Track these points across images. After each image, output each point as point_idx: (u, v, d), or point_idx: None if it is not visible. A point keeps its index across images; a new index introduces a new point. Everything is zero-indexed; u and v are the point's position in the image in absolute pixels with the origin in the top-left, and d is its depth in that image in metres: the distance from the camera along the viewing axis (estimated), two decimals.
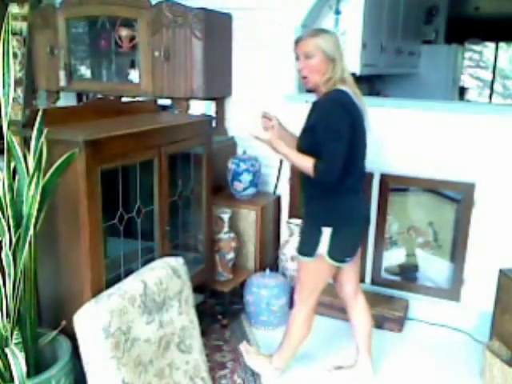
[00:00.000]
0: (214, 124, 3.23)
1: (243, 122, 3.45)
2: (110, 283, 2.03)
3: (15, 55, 1.78)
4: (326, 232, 2.16)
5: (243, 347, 2.61)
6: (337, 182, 2.08)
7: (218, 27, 3.19)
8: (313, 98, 2.25)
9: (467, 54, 9.13)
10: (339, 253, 2.21)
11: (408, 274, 3.22)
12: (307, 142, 2.14)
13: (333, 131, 2.04)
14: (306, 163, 2.08)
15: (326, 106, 2.09)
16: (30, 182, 1.74)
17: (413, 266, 3.23)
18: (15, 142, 1.79)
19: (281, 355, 2.47)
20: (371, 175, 3.11)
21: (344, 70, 2.12)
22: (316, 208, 2.25)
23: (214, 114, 3.48)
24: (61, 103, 3.53)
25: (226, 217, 2.98)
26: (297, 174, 3.21)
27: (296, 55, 2.17)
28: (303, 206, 2.37)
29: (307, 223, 2.32)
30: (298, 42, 2.15)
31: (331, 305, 3.01)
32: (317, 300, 2.37)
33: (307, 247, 2.24)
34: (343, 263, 2.26)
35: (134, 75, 3.38)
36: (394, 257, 3.24)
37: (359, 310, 2.48)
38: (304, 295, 2.34)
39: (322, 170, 2.05)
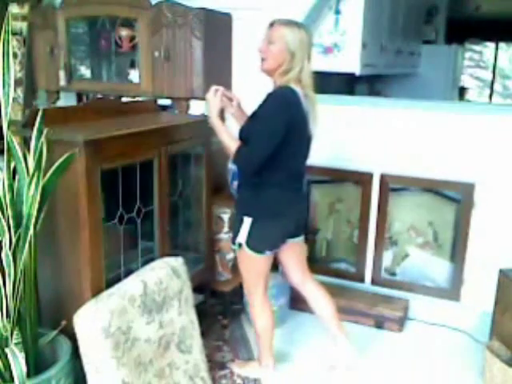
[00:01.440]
0: None
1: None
2: (110, 283, 2.04)
3: (15, 55, 1.78)
4: (247, 222, 2.19)
5: (233, 365, 2.62)
6: (263, 175, 2.14)
7: (218, 27, 3.19)
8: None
9: (467, 54, 9.14)
10: (257, 243, 2.22)
11: (408, 274, 3.22)
12: (245, 129, 2.18)
13: (265, 124, 2.09)
14: (231, 145, 2.14)
15: (269, 100, 2.12)
16: (30, 182, 1.74)
17: (413, 266, 3.23)
18: (15, 141, 1.79)
19: (261, 352, 2.49)
20: (371, 175, 3.12)
21: (303, 69, 2.12)
22: (243, 197, 2.28)
23: None
24: (61, 103, 3.53)
25: (225, 217, 2.98)
26: None
27: (264, 37, 2.18)
28: (236, 194, 2.40)
29: (236, 212, 2.36)
30: (271, 24, 2.17)
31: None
32: (264, 289, 2.38)
33: (233, 236, 2.29)
34: (261, 254, 2.26)
35: (133, 75, 3.38)
36: (393, 257, 3.24)
37: (312, 295, 2.52)
38: (249, 287, 2.38)
39: (240, 157, 2.11)
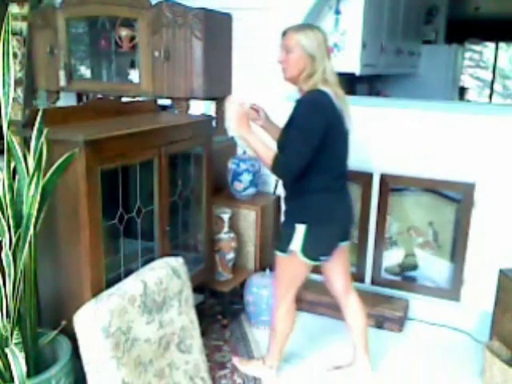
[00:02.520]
0: (214, 124, 3.23)
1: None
2: (110, 283, 2.03)
3: (15, 55, 1.78)
4: (300, 229, 2.17)
5: (236, 360, 2.61)
6: (308, 181, 2.12)
7: (218, 27, 3.19)
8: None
9: (467, 54, 9.14)
10: (313, 251, 2.21)
11: (408, 274, 3.22)
12: (282, 139, 2.17)
13: (301, 130, 2.06)
14: (267, 155, 2.11)
15: (303, 106, 2.11)
16: (30, 182, 1.74)
17: (413, 266, 3.23)
18: (15, 141, 1.80)
19: (270, 353, 2.49)
20: (371, 175, 3.12)
21: (326, 69, 2.12)
22: (291, 205, 2.28)
23: (214, 114, 3.47)
24: (61, 103, 3.53)
25: (225, 217, 2.98)
26: None
27: (280, 47, 2.18)
28: (284, 201, 2.40)
29: (284, 220, 2.35)
30: (284, 34, 2.16)
31: (330, 305, 3.00)
32: (295, 295, 2.38)
33: (282, 243, 2.27)
34: (317, 261, 2.26)
35: (133, 75, 3.38)
36: (393, 257, 3.24)
37: (352, 308, 2.49)
38: (281, 291, 2.36)
39: (278, 166, 2.09)
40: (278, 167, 2.09)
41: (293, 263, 2.25)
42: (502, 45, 9.53)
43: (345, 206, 2.30)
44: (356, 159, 3.09)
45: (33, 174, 1.75)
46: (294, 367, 2.63)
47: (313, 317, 3.08)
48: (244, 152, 3.25)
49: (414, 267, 3.21)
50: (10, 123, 1.76)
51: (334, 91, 2.13)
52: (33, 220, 1.75)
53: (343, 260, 2.43)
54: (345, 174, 2.28)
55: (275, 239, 2.40)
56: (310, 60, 2.09)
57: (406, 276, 3.22)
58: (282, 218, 2.39)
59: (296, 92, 2.25)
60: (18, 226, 1.77)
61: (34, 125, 1.82)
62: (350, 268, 2.54)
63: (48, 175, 1.82)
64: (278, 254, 2.29)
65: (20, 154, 1.80)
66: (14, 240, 1.75)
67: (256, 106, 2.34)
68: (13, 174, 1.81)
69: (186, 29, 2.99)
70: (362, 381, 2.51)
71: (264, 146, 2.15)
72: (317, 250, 2.23)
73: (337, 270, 2.43)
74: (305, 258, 2.21)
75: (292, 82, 2.19)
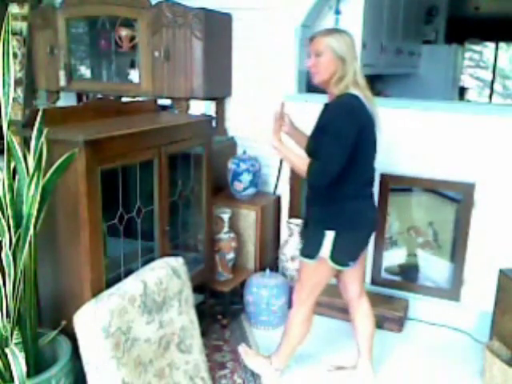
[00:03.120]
0: (214, 124, 3.23)
1: (243, 121, 3.46)
2: (110, 283, 2.03)
3: (15, 55, 1.78)
4: (329, 235, 2.17)
5: (242, 349, 2.61)
6: (340, 187, 2.10)
7: (218, 27, 3.19)
8: (314, 96, 2.26)
9: (467, 54, 9.14)
10: (342, 256, 2.21)
11: (408, 274, 3.22)
12: (313, 144, 2.15)
13: (335, 135, 2.04)
14: (302, 164, 2.11)
15: (335, 110, 2.10)
16: (30, 182, 1.74)
17: (413, 266, 3.23)
18: (15, 141, 1.79)
19: (280, 355, 2.47)
20: None
21: (357, 72, 2.12)
22: (320, 212, 2.25)
23: (214, 114, 3.48)
24: (61, 103, 3.53)
25: (225, 217, 2.98)
26: (296, 175, 3.20)
27: (308, 52, 2.18)
28: (307, 208, 2.37)
29: (311, 226, 2.33)
30: (311, 39, 2.16)
31: (331, 305, 3.01)
32: (315, 301, 2.38)
33: (310, 249, 2.25)
34: (346, 267, 2.27)
35: (133, 75, 3.38)
36: (394, 257, 3.24)
37: (363, 313, 2.48)
38: (303, 296, 2.35)
39: (315, 172, 2.07)
40: (314, 175, 2.08)
41: (320, 269, 2.25)
42: (502, 45, 9.52)
43: (372, 213, 2.31)
44: None
45: (33, 174, 1.75)
46: (295, 367, 2.63)
47: (315, 318, 3.08)
48: (244, 152, 3.25)
49: (415, 268, 3.22)
50: (10, 123, 1.75)
51: (363, 94, 2.12)
52: (33, 220, 1.75)
53: (362, 265, 2.44)
54: (373, 179, 2.29)
55: (302, 245, 2.38)
56: (341, 63, 2.09)
57: (406, 276, 3.22)
58: (307, 224, 2.37)
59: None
60: (18, 226, 1.77)
61: (33, 125, 1.82)
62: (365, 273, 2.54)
63: (48, 175, 1.82)
64: (305, 260, 2.27)
65: (20, 154, 1.80)
66: (14, 240, 1.75)
67: (281, 112, 2.30)
68: (13, 174, 1.81)
69: (185, 29, 2.99)
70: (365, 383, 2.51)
71: (297, 155, 2.15)
72: (346, 255, 2.23)
73: (355, 274, 2.42)
74: (334, 264, 2.20)
75: (323, 85, 2.17)
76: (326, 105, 2.18)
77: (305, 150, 2.22)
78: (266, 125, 2.35)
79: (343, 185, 2.11)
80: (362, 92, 2.12)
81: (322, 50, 2.10)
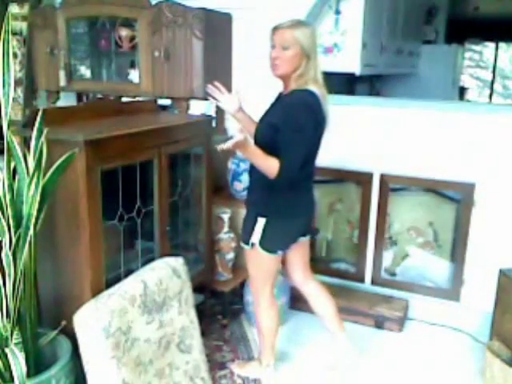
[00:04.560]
0: (213, 124, 3.22)
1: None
2: (110, 283, 2.03)
3: (15, 55, 1.78)
4: (260, 222, 2.19)
5: (233, 366, 2.61)
6: (292, 180, 2.11)
7: (218, 27, 3.19)
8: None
9: (467, 54, 9.14)
10: (271, 244, 2.23)
11: (408, 274, 3.22)
12: (267, 137, 2.11)
13: (298, 133, 2.04)
14: (272, 166, 2.03)
15: (294, 107, 2.08)
16: (30, 182, 1.74)
17: (413, 266, 3.23)
18: (15, 141, 1.79)
19: (263, 352, 2.49)
20: (371, 175, 3.12)
21: (317, 68, 2.11)
22: (256, 197, 2.28)
23: (214, 114, 3.47)
24: (61, 103, 3.53)
25: (225, 217, 2.98)
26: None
27: (272, 43, 2.13)
28: (247, 193, 2.39)
29: (247, 211, 2.35)
30: (276, 29, 2.11)
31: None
32: (272, 288, 2.39)
33: (245, 235, 2.28)
34: (274, 254, 2.27)
35: (134, 75, 3.38)
36: (394, 257, 3.24)
37: (315, 295, 2.52)
38: (257, 286, 2.37)
39: (283, 171, 2.04)
40: (283, 173, 2.05)
41: (258, 255, 2.26)
42: (501, 45, 9.52)
43: (306, 203, 2.32)
44: (356, 159, 3.11)
45: (33, 174, 1.75)
46: (293, 367, 2.63)
47: (312, 317, 3.08)
48: None
49: (415, 268, 3.21)
50: (10, 123, 1.76)
51: (320, 91, 2.12)
52: (33, 220, 1.75)
53: (302, 253, 2.47)
54: (313, 173, 2.30)
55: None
56: (306, 59, 2.08)
57: (406, 276, 3.22)
58: (246, 210, 2.38)
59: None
60: (18, 226, 1.77)
61: (34, 125, 1.82)
62: (309, 260, 2.55)
63: (48, 175, 1.82)
64: (244, 246, 2.31)
65: (20, 154, 1.80)
66: (14, 240, 1.75)
67: (233, 92, 2.33)
68: (13, 174, 1.81)
69: (185, 29, 2.99)
70: (348, 361, 2.52)
71: (264, 155, 2.06)
72: (275, 243, 2.25)
73: (295, 262, 2.48)
74: (262, 251, 2.23)
75: (282, 78, 2.16)
76: (280, 96, 2.17)
77: (253, 136, 2.20)
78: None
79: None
80: (319, 89, 2.12)
81: (289, 44, 2.06)
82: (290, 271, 2.53)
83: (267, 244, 2.22)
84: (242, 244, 2.31)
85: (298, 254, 2.46)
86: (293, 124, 2.05)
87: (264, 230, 2.19)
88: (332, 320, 2.50)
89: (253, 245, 2.23)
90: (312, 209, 2.39)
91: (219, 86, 2.32)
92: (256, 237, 2.21)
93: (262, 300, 2.37)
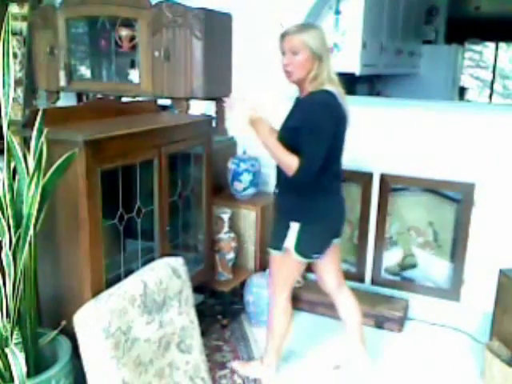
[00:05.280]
0: (213, 124, 3.23)
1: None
2: (110, 283, 2.03)
3: (15, 55, 1.78)
4: (294, 227, 2.18)
5: (235, 365, 2.61)
6: (311, 181, 2.10)
7: (218, 27, 3.19)
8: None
9: (467, 54, 9.13)
10: (306, 248, 2.22)
11: (408, 274, 3.22)
12: (289, 140, 2.11)
13: (316, 133, 2.04)
14: (290, 160, 2.06)
15: (312, 107, 2.08)
16: (30, 182, 1.74)
17: (413, 266, 3.23)
18: (15, 141, 1.79)
19: (268, 352, 2.49)
20: (371, 175, 3.12)
21: (330, 68, 2.11)
22: (288, 203, 2.27)
23: (214, 114, 3.47)
24: (61, 103, 3.53)
25: (225, 217, 2.98)
26: None
27: (282, 50, 2.13)
28: (277, 200, 2.37)
29: (278, 217, 2.35)
30: (284, 36, 2.11)
31: (332, 305, 3.00)
32: (290, 292, 2.39)
33: (276, 240, 2.27)
34: (310, 259, 2.28)
35: (134, 75, 3.38)
36: (393, 257, 3.24)
37: (346, 304, 2.50)
38: (277, 289, 2.36)
39: (301, 170, 2.05)
40: (298, 175, 2.05)
41: (287, 261, 2.26)
42: (501, 45, 9.52)
43: (338, 205, 2.31)
44: (356, 159, 3.11)
45: (33, 174, 1.75)
46: (294, 367, 2.63)
47: (313, 317, 3.08)
48: (244, 152, 3.25)
49: (414, 266, 3.21)
50: (10, 123, 1.75)
51: (337, 90, 2.12)
52: (33, 220, 1.75)
53: (335, 257, 2.45)
54: (340, 173, 2.29)
55: (270, 237, 2.39)
56: (317, 60, 2.07)
57: (405, 276, 3.22)
58: (276, 215, 2.38)
59: (295, 93, 2.23)
60: (18, 226, 1.77)
61: (34, 125, 1.82)
62: (341, 264, 2.54)
63: (48, 175, 1.81)
64: (273, 252, 2.30)
65: (20, 154, 1.80)
66: (14, 240, 1.75)
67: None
68: (13, 174, 1.81)
69: (185, 29, 2.99)
70: (363, 375, 2.51)
71: (284, 150, 2.08)
72: (310, 248, 2.24)
73: (328, 267, 2.44)
74: (298, 256, 2.22)
75: (297, 83, 2.16)
76: (298, 100, 2.17)
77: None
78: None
79: (317, 179, 2.10)
80: (336, 88, 2.12)
81: (299, 48, 2.06)
82: (324, 277, 2.48)
83: (303, 249, 2.21)
84: (272, 250, 2.30)
85: (331, 259, 2.41)
86: (311, 124, 2.05)
87: (299, 235, 2.18)
88: (357, 330, 2.50)
89: (286, 250, 2.22)
90: (344, 210, 2.36)
91: (235, 97, 2.30)
92: (290, 242, 2.20)
93: (279, 302, 2.37)
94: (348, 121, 2.17)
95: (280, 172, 2.19)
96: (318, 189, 2.17)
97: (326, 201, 2.22)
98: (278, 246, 2.25)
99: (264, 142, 2.14)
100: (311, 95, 2.11)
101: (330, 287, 2.50)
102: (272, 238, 2.35)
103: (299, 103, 2.19)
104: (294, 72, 2.10)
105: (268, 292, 2.45)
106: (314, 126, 2.04)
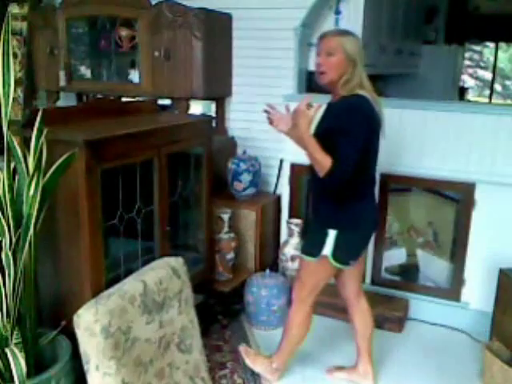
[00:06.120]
0: (214, 124, 3.23)
1: (243, 121, 3.46)
2: (110, 283, 2.03)
3: (15, 55, 1.78)
4: (332, 234, 2.17)
5: (242, 349, 2.61)
6: (347, 187, 2.08)
7: (218, 27, 3.19)
8: (314, 96, 2.24)
9: (467, 54, 9.13)
10: (344, 255, 2.22)
11: (408, 274, 3.22)
12: (321, 143, 2.08)
13: (348, 135, 2.02)
14: (325, 161, 2.01)
15: (344, 110, 2.08)
16: (30, 182, 1.74)
17: (413, 266, 3.23)
18: (15, 142, 1.79)
19: (280, 355, 2.47)
20: None
21: (363, 75, 2.11)
22: (325, 210, 2.25)
23: (214, 114, 3.48)
24: (61, 103, 3.54)
25: (225, 217, 2.98)
26: (296, 175, 3.21)
27: (318, 51, 2.14)
28: (313, 206, 2.37)
29: (314, 223, 2.34)
30: (322, 37, 2.13)
31: (331, 305, 3.00)
32: (315, 299, 2.38)
33: (312, 247, 2.26)
34: (347, 266, 2.27)
35: (134, 75, 3.38)
36: (394, 257, 3.24)
37: (361, 312, 2.48)
38: (303, 295, 2.35)
39: (333, 173, 2.02)
40: (331, 177, 2.02)
41: (321, 268, 2.25)
42: (501, 45, 9.51)
43: (373, 212, 2.31)
44: None
45: (33, 174, 1.75)
46: (295, 367, 2.63)
47: (318, 318, 3.09)
48: (244, 152, 3.25)
49: (415, 268, 3.22)
50: (10, 123, 1.76)
51: (371, 95, 2.12)
52: (33, 220, 1.75)
53: (361, 264, 2.45)
54: (374, 179, 2.30)
55: (303, 243, 2.40)
56: (352, 65, 2.07)
57: (406, 276, 3.22)
58: (311, 221, 2.37)
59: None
60: (18, 226, 1.77)
61: (33, 125, 1.82)
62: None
63: (48, 175, 1.82)
64: (307, 258, 2.28)
65: (20, 154, 1.80)
66: (14, 240, 1.75)
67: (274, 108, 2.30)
68: (13, 174, 1.81)
69: (185, 29, 2.99)
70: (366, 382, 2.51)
71: (321, 150, 2.04)
72: (348, 255, 2.24)
73: (354, 273, 2.42)
74: (336, 263, 2.21)
75: (329, 85, 2.15)
76: (330, 105, 2.16)
77: None
78: (266, 125, 2.34)
79: (353, 184, 2.09)
80: (370, 93, 2.12)
81: (334, 50, 2.07)
82: (346, 283, 2.45)
83: (341, 256, 2.20)
84: (306, 256, 2.27)
85: (357, 266, 2.39)
86: (343, 127, 2.03)
87: (336, 242, 2.17)
88: (365, 341, 2.49)
89: (322, 257, 2.20)
90: (378, 217, 2.35)
91: (273, 106, 2.28)
92: (328, 249, 2.19)
93: (302, 308, 2.36)
94: (382, 126, 2.17)
95: (315, 178, 2.14)
96: (354, 195, 2.16)
97: (362, 207, 2.21)
98: (314, 253, 2.23)
99: (303, 138, 2.07)
100: (343, 99, 2.10)
101: (349, 294, 2.47)
102: (307, 244, 2.34)
103: (330, 107, 2.16)
104: (327, 73, 2.10)
105: (293, 296, 2.41)
106: (346, 129, 2.03)
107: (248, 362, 2.54)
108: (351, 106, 2.07)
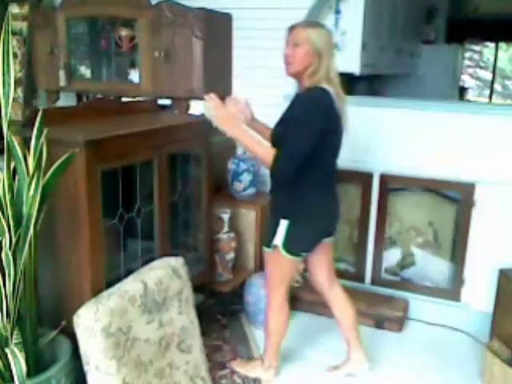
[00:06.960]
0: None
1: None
2: (110, 283, 2.04)
3: (15, 55, 1.78)
4: (283, 223, 2.19)
5: (234, 364, 2.61)
6: (300, 178, 2.10)
7: (218, 27, 3.19)
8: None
9: (467, 54, 9.13)
10: (294, 246, 2.22)
11: (408, 274, 3.22)
12: (280, 134, 2.12)
13: (301, 124, 2.05)
14: (266, 156, 2.07)
15: (303, 101, 2.10)
16: (30, 182, 1.74)
17: (413, 266, 3.23)
18: (15, 142, 1.79)
19: (267, 353, 2.48)
20: (371, 175, 3.12)
21: (331, 68, 2.12)
22: (278, 199, 2.28)
23: None
24: (61, 103, 3.53)
25: (225, 217, 2.98)
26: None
27: (286, 41, 2.16)
28: (270, 198, 2.39)
29: (270, 214, 2.36)
30: (291, 28, 2.15)
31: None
32: (286, 291, 2.38)
33: (267, 237, 2.28)
34: (298, 257, 2.27)
35: (133, 75, 3.38)
36: (394, 257, 3.24)
37: (338, 300, 2.49)
38: (273, 288, 2.36)
39: (280, 163, 2.05)
40: (279, 165, 2.05)
41: (279, 258, 2.26)
42: (501, 45, 9.51)
43: (328, 205, 2.30)
44: (356, 159, 3.11)
45: (33, 174, 1.75)
46: (293, 367, 2.63)
47: (312, 316, 3.08)
48: (244, 152, 3.25)
49: (415, 268, 3.21)
50: (10, 123, 1.76)
51: (335, 91, 2.12)
52: (33, 220, 1.75)
53: (326, 255, 2.44)
54: (334, 173, 2.29)
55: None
56: (317, 57, 2.08)
57: (405, 276, 3.22)
58: (269, 213, 2.38)
59: (294, 89, 2.23)
60: (17, 226, 1.77)
61: (34, 125, 1.82)
62: (333, 262, 2.53)
63: (48, 175, 1.81)
64: (264, 249, 2.31)
65: (20, 154, 1.80)
66: (14, 240, 1.75)
67: (244, 102, 2.34)
68: (13, 174, 1.81)
69: (185, 29, 2.99)
70: (361, 374, 2.51)
71: (259, 143, 2.13)
72: (298, 245, 2.24)
73: (320, 264, 2.45)
74: (286, 253, 2.22)
75: (295, 76, 2.17)
76: (297, 95, 2.18)
77: (270, 139, 2.20)
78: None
79: (304, 176, 2.11)
80: (334, 89, 2.12)
81: (301, 41, 2.08)
82: (315, 274, 2.49)
83: (290, 246, 2.21)
84: (264, 247, 2.30)
85: (322, 256, 2.42)
86: (297, 117, 2.07)
87: (287, 233, 2.19)
88: (351, 329, 2.50)
89: (275, 247, 2.22)
90: (336, 210, 2.35)
91: (213, 97, 2.26)
92: (279, 239, 2.20)
93: (274, 301, 2.36)
94: (342, 122, 2.17)
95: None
96: (307, 187, 2.17)
97: (316, 199, 2.21)
98: (268, 243, 2.26)
99: (237, 138, 2.17)
100: (307, 91, 2.12)
101: (320, 284, 2.50)
102: (265, 235, 2.36)
103: (296, 98, 2.19)
104: (293, 64, 2.12)
105: (265, 292, 2.45)
106: (300, 118, 2.06)
107: (243, 371, 2.55)
108: (310, 97, 2.09)
